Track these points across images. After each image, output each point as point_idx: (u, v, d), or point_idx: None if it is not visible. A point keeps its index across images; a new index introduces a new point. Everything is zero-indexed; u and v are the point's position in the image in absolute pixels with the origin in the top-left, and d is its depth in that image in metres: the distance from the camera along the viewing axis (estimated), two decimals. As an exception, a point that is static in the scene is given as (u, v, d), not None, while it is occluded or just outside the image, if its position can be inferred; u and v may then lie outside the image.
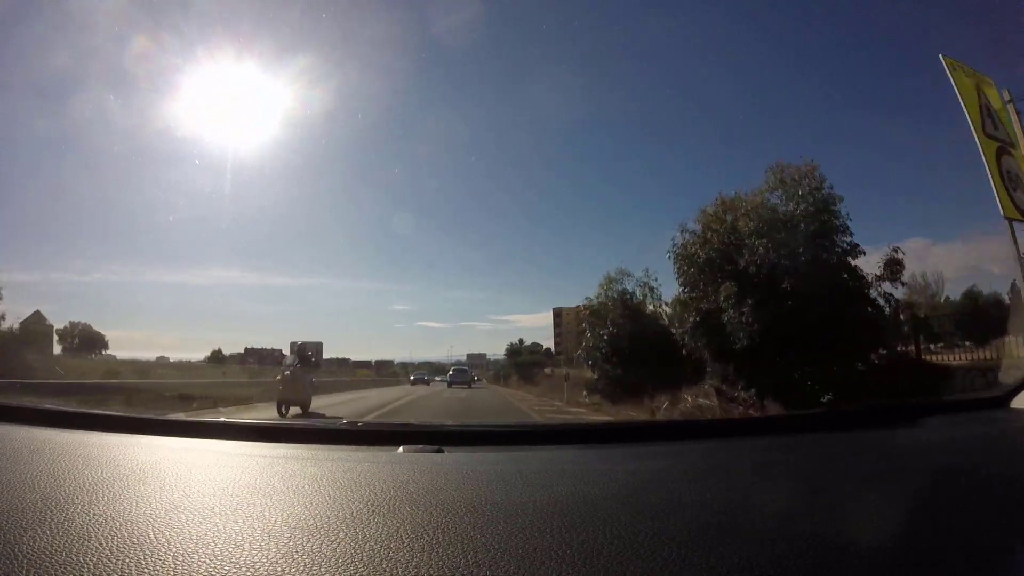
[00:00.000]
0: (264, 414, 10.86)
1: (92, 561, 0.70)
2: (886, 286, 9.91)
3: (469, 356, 70.05)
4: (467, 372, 35.99)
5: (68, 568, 0.68)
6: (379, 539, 0.76)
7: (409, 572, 0.67)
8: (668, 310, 15.08)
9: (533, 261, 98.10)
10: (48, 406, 1.74)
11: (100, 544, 0.74)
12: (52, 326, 40.71)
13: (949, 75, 6.68)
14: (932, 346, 12.65)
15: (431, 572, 0.67)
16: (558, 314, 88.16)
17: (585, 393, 17.64)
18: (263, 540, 0.76)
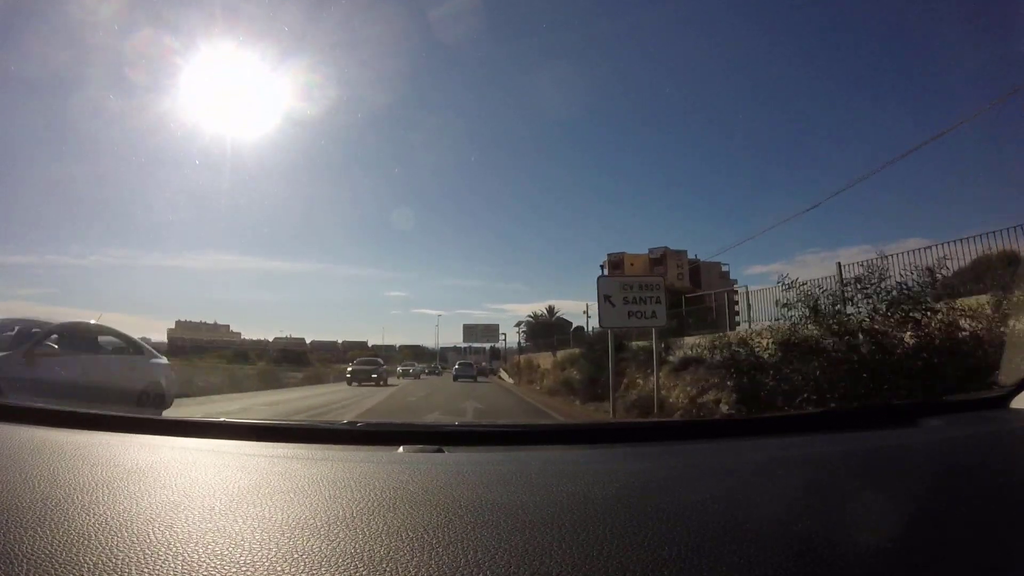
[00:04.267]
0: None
1: (92, 561, 0.70)
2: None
3: (466, 329, 52.71)
4: (472, 366, 35.27)
5: (68, 568, 0.68)
6: (379, 539, 0.76)
7: (409, 572, 0.67)
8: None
9: (528, 252, 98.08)
10: (48, 406, 1.74)
11: (100, 544, 0.74)
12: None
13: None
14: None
15: (431, 572, 0.67)
16: (616, 264, 63.67)
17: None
18: (263, 540, 0.76)
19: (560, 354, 24.59)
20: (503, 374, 41.77)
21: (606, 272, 66.21)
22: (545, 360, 27.10)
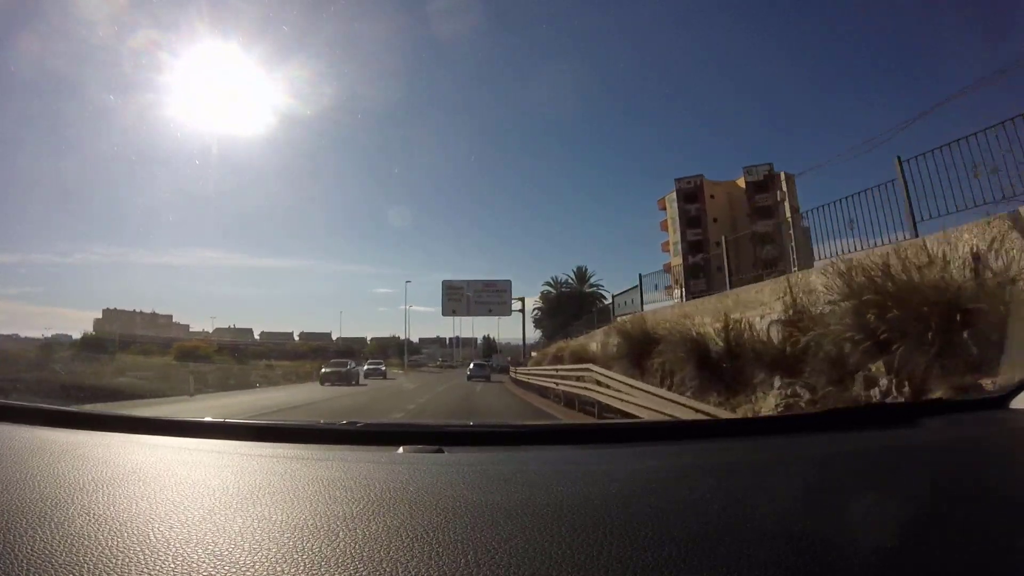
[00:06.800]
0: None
1: (92, 561, 0.70)
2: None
3: (448, 292, 38.20)
4: (486, 367, 32.59)
5: (68, 568, 0.68)
6: (379, 539, 0.76)
7: (409, 572, 0.67)
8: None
9: (517, 247, 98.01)
10: (48, 406, 1.74)
11: (100, 544, 0.74)
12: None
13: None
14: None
15: (431, 572, 0.67)
16: (691, 194, 44.80)
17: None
18: (263, 540, 0.76)
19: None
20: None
21: (676, 205, 45.36)
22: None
